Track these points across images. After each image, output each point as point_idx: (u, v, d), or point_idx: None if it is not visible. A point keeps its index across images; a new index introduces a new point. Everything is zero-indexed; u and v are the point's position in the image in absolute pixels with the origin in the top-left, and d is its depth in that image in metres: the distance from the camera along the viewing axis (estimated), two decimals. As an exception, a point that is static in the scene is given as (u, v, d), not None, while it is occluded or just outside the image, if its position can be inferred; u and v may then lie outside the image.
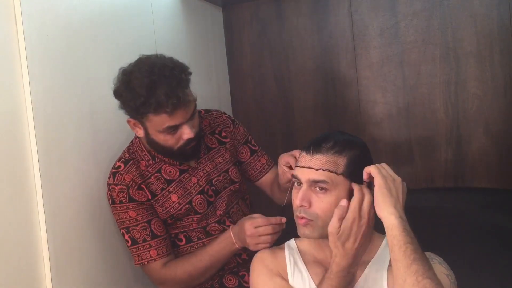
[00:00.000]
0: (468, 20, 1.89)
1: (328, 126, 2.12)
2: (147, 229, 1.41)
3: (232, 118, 1.63)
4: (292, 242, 1.21)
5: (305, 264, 1.15)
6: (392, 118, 2.02)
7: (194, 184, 1.48)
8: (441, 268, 1.05)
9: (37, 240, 1.23)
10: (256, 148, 1.63)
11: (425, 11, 1.94)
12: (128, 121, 1.39)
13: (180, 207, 1.45)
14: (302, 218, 1.07)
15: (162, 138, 1.36)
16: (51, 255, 1.24)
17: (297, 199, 1.08)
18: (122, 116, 1.38)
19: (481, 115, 1.90)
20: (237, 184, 1.55)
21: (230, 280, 1.50)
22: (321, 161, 1.08)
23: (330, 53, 2.10)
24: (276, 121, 2.22)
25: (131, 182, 1.40)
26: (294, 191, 1.12)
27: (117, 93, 1.35)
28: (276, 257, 1.18)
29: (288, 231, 1.27)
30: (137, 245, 1.41)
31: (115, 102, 1.36)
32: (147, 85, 1.27)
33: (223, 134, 1.57)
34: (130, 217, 1.40)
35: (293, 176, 1.12)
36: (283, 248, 1.19)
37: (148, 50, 1.52)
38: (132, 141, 1.49)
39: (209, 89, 2.10)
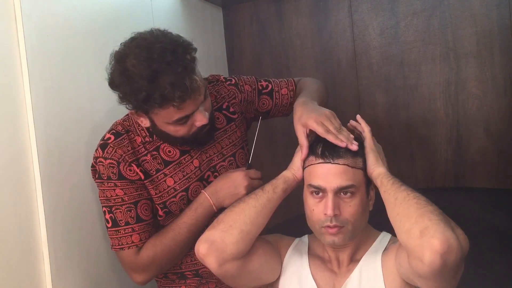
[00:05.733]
0: (468, 20, 1.88)
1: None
2: (132, 211, 1.26)
3: (234, 81, 1.44)
4: (305, 237, 1.25)
5: (308, 255, 1.19)
6: (392, 118, 2.02)
7: (195, 168, 1.32)
8: None
9: (37, 240, 1.23)
10: (270, 86, 1.46)
11: (425, 11, 1.94)
12: (131, 113, 1.25)
13: (176, 193, 1.30)
14: (335, 226, 1.06)
15: (172, 129, 1.22)
16: (51, 255, 1.24)
17: (327, 209, 1.06)
18: (122, 116, 1.34)
19: (481, 115, 1.90)
20: None
21: None
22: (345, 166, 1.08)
23: (330, 53, 2.10)
24: (276, 120, 2.21)
25: (121, 158, 1.25)
26: (312, 201, 1.10)
27: (113, 84, 1.19)
28: (282, 238, 1.24)
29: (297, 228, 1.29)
30: (117, 228, 1.26)
31: (115, 101, 1.28)
32: (148, 76, 1.11)
33: (231, 109, 1.41)
34: (116, 195, 1.25)
35: (311, 185, 1.10)
36: (293, 238, 1.25)
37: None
38: (127, 114, 1.31)
39: (209, 89, 2.11)
